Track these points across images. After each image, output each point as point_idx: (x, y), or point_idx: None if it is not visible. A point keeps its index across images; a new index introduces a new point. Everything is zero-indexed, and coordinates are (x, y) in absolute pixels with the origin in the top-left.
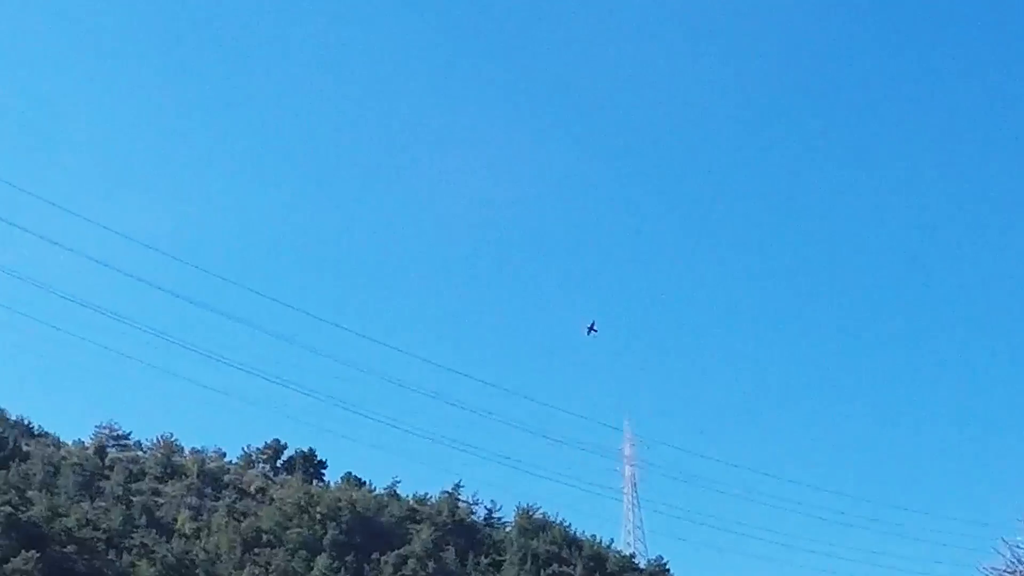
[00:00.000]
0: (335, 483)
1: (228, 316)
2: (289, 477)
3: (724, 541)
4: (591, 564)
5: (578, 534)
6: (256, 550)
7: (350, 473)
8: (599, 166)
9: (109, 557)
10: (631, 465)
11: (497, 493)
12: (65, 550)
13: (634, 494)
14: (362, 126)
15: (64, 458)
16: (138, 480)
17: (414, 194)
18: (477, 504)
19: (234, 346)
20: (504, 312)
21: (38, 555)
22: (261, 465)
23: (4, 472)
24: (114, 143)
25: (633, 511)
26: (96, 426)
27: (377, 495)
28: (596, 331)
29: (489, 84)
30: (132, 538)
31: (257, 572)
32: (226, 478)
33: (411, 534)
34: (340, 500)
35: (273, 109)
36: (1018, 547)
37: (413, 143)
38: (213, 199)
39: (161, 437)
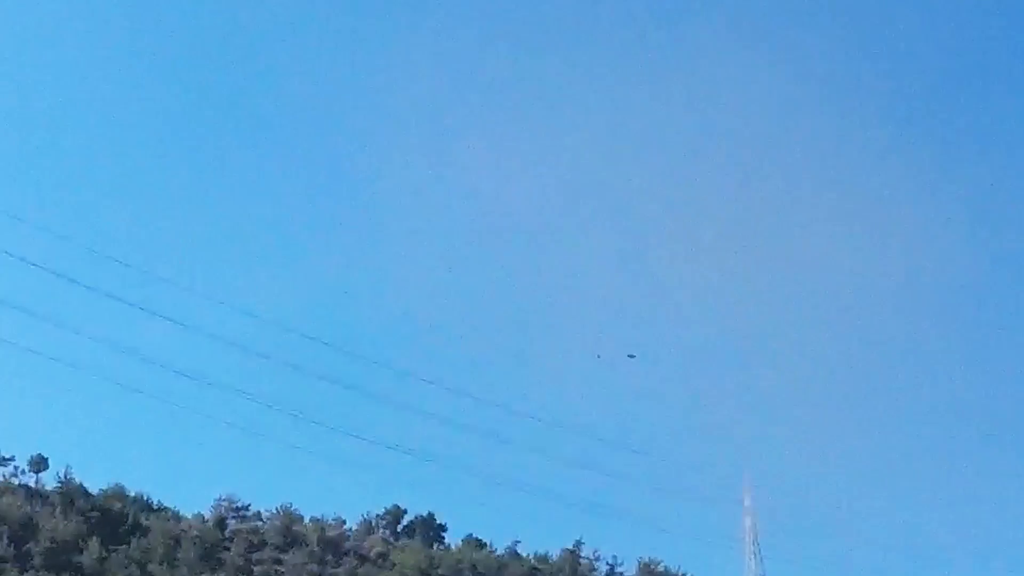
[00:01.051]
0: (456, 546)
1: (343, 384)
2: (410, 541)
3: None
4: None
5: None
6: None
7: (471, 535)
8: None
9: None
10: (751, 515)
11: (618, 549)
12: None
13: (755, 544)
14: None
15: (184, 531)
16: (259, 550)
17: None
18: (598, 560)
19: (350, 414)
20: (616, 365)
21: None
22: (381, 531)
23: (125, 547)
24: (230, 220)
25: (754, 561)
26: (215, 499)
27: (498, 556)
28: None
29: None
30: None
31: None
32: (346, 545)
33: None
34: (461, 562)
35: (387, 179)
36: None
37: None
38: (322, 268)
39: (280, 507)
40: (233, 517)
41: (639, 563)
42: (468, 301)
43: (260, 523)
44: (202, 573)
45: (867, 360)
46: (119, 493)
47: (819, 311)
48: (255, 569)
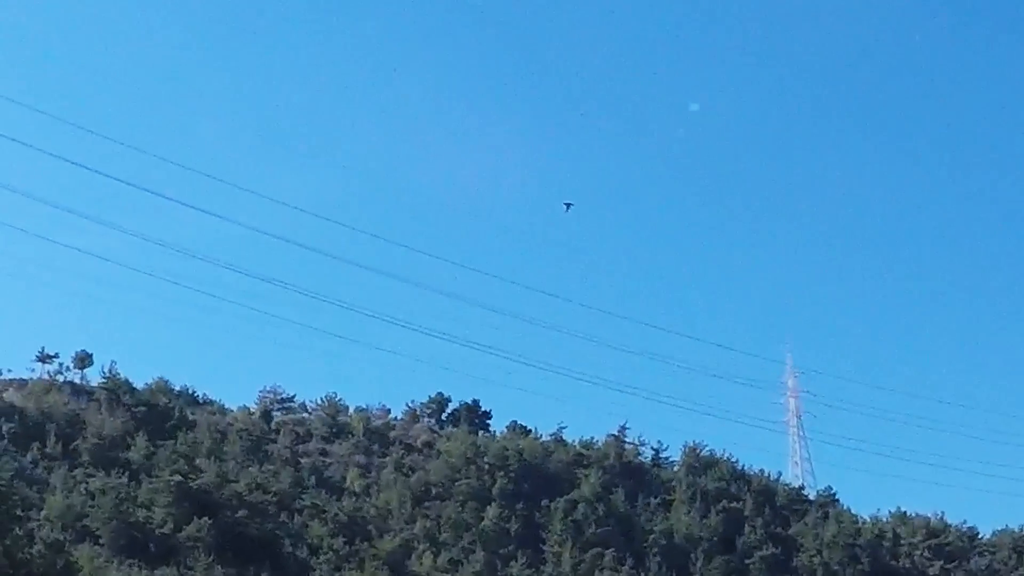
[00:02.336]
0: (500, 432)
1: (384, 273)
2: (455, 430)
3: (893, 468)
4: (760, 498)
5: (746, 469)
6: (426, 504)
7: (515, 422)
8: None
9: (281, 519)
10: (794, 397)
11: (662, 433)
12: (237, 515)
13: (799, 426)
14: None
15: (230, 424)
16: (305, 442)
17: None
18: (643, 445)
19: (392, 303)
20: (657, 249)
21: (210, 521)
22: (426, 419)
23: (172, 442)
24: (267, 111)
25: (799, 443)
26: (260, 391)
27: (543, 442)
28: (571, 205)
29: None
30: (303, 499)
31: (428, 526)
32: (392, 434)
33: (579, 479)
34: (507, 449)
35: (418, 71)
36: None
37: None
38: (365, 159)
39: (325, 398)
40: (278, 409)
41: (684, 447)
42: (503, 184)
43: (306, 414)
44: (249, 466)
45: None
46: (164, 388)
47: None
48: (302, 461)
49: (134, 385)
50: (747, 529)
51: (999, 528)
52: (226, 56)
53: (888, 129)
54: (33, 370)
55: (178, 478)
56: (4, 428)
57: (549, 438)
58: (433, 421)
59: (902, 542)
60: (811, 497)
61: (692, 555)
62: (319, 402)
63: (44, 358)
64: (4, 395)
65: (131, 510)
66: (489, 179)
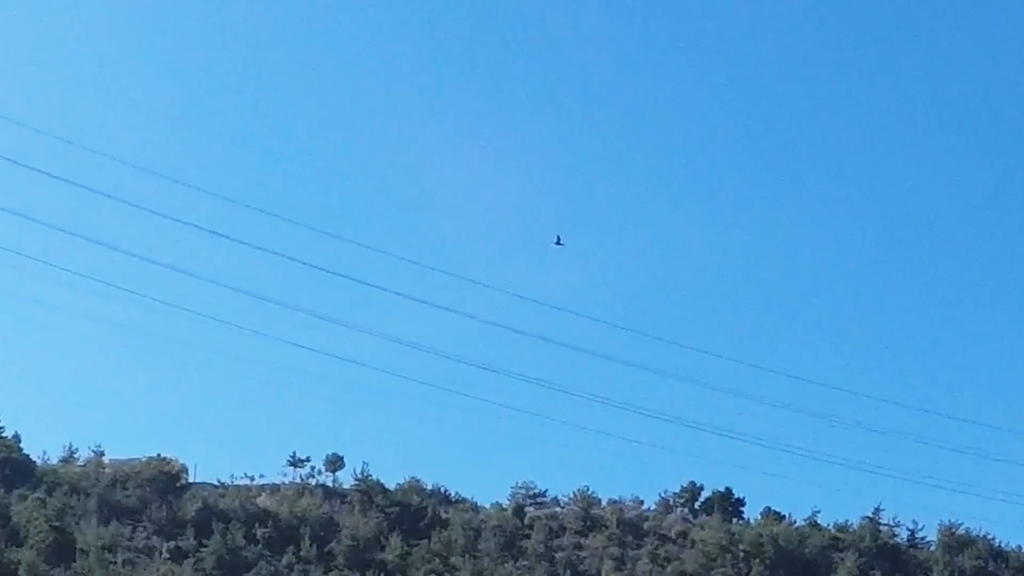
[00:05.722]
0: (755, 519)
1: (630, 364)
2: (708, 518)
3: None
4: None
5: (1003, 546)
6: None
7: (769, 508)
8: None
9: None
10: None
11: (917, 513)
12: None
13: None
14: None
15: (483, 522)
16: (558, 536)
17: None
18: (899, 526)
19: (639, 393)
20: (902, 328)
21: None
22: (679, 509)
23: (426, 541)
24: (502, 205)
25: None
26: (512, 486)
27: (798, 527)
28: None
29: None
30: None
31: None
32: (646, 525)
33: (835, 563)
34: (761, 536)
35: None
36: None
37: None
38: (601, 248)
39: (578, 491)
40: (531, 504)
41: (940, 526)
42: (750, 264)
43: (558, 508)
44: (504, 562)
45: None
46: (417, 487)
47: None
48: (556, 555)
49: (386, 486)
50: None
51: None
52: (455, 149)
53: None
54: (285, 475)
55: None
56: (259, 533)
57: (803, 523)
58: (686, 510)
59: None
60: None
61: None
62: (572, 496)
63: (296, 462)
64: (258, 500)
65: None
66: (734, 260)
